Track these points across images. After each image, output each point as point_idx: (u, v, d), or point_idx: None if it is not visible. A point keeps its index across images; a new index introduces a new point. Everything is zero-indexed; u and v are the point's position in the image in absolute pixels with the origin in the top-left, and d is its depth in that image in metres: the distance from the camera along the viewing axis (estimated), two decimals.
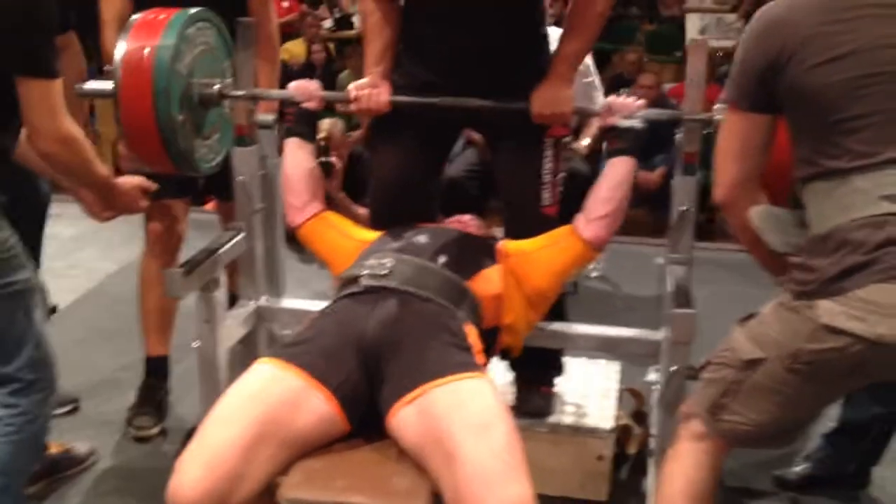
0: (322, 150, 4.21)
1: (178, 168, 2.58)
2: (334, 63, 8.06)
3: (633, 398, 2.99)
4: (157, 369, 3.14)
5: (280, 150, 2.88)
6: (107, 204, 2.41)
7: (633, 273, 4.56)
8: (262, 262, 2.90)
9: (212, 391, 2.63)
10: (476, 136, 3.86)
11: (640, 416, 2.96)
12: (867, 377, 1.88)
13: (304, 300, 3.00)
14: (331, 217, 2.55)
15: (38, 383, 2.24)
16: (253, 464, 1.84)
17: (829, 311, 1.75)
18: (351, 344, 2.02)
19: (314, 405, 1.94)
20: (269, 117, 2.83)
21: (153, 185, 2.48)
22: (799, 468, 2.80)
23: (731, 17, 10.02)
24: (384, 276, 2.15)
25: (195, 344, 2.62)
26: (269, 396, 1.92)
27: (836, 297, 1.75)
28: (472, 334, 2.11)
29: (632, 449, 2.90)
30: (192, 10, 2.54)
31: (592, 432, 2.70)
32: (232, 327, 2.72)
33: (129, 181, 2.41)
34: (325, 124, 4.61)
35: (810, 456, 2.80)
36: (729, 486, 2.75)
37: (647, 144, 5.59)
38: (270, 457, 1.87)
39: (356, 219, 4.78)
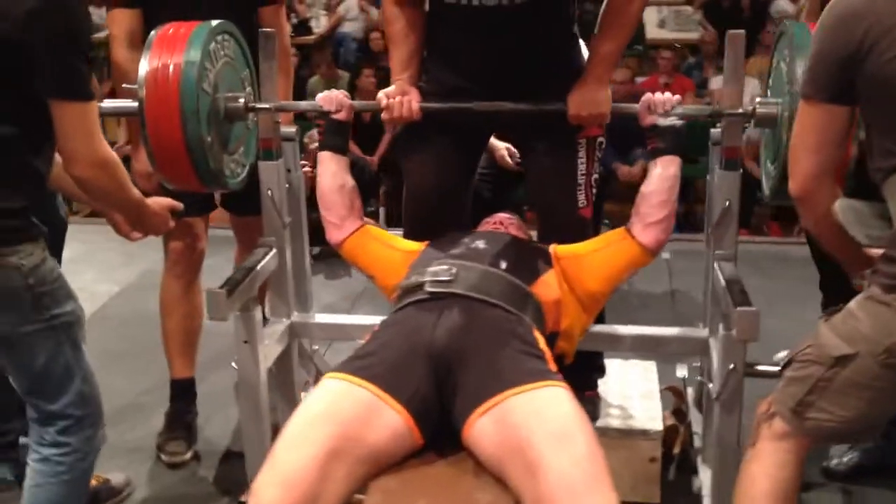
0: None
1: (206, 186, 2.53)
2: (302, 69, 7.99)
3: (673, 396, 2.96)
4: (184, 392, 3.06)
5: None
6: (137, 225, 2.35)
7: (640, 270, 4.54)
8: (292, 278, 2.83)
9: (253, 412, 2.58)
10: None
11: (680, 415, 2.94)
12: None
13: (335, 315, 2.94)
14: (372, 230, 2.50)
15: (87, 419, 2.17)
16: (329, 483, 1.78)
17: None
18: (420, 354, 1.96)
19: (387, 419, 1.88)
20: (291, 129, 2.76)
21: (180, 205, 2.41)
22: (847, 458, 2.79)
23: (688, 9, 10.11)
24: (449, 282, 2.10)
25: (234, 364, 2.56)
26: (341, 413, 1.86)
27: None
28: (541, 341, 2.07)
29: (676, 448, 2.88)
30: (213, 23, 2.48)
31: (643, 434, 2.67)
32: (269, 346, 2.65)
33: (159, 202, 2.34)
34: (314, 136, 4.56)
35: (858, 446, 2.79)
36: None
37: (627, 138, 5.64)
38: (346, 475, 1.81)
39: None
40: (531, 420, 1.82)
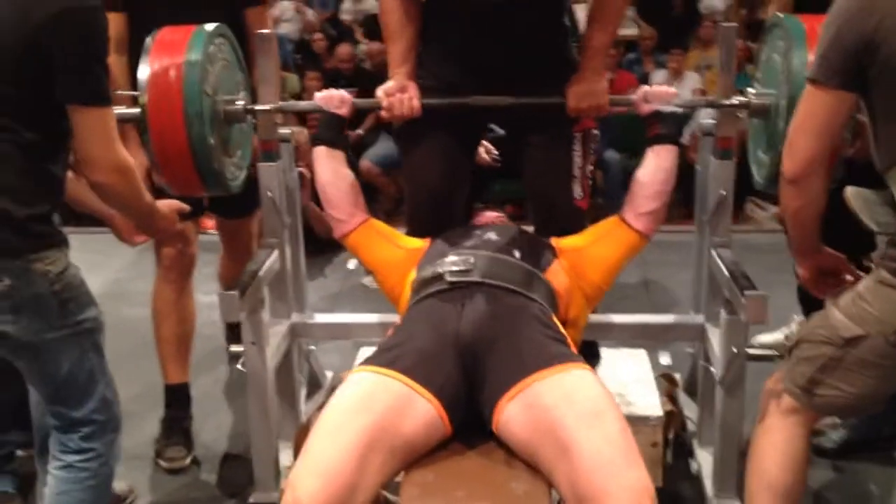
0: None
1: (209, 189, 2.52)
2: None
3: (665, 382, 3.03)
4: (179, 397, 3.04)
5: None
6: (146, 229, 2.34)
7: None
8: (292, 278, 2.83)
9: (261, 413, 2.58)
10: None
11: (674, 400, 3.01)
12: None
13: (334, 314, 2.95)
14: (376, 224, 2.51)
15: (110, 423, 2.17)
16: (366, 473, 1.79)
17: None
18: (448, 344, 1.99)
19: (420, 410, 1.91)
20: (287, 130, 2.77)
21: (187, 207, 2.40)
22: (836, 435, 2.88)
23: None
24: (468, 271, 2.13)
25: (241, 366, 2.55)
26: (376, 404, 1.88)
27: None
28: (560, 326, 2.11)
29: (671, 433, 2.94)
30: (211, 27, 2.49)
31: (644, 420, 2.71)
32: (275, 347, 2.66)
33: (167, 204, 2.34)
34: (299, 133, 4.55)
35: (846, 423, 2.89)
36: None
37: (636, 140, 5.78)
38: (381, 465, 1.83)
39: (330, 230, 4.78)
40: (561, 402, 1.85)
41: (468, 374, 1.98)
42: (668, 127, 2.48)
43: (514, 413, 1.90)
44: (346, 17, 10.96)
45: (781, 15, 2.44)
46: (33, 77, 1.88)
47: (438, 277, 2.15)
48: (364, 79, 6.12)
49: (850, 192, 2.00)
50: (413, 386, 1.92)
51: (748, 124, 2.64)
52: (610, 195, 6.46)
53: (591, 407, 1.85)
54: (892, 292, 1.88)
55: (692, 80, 7.40)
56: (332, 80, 6.03)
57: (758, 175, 2.56)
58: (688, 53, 7.82)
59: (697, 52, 8.18)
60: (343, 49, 7.14)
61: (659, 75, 7.64)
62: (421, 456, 1.93)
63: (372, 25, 9.93)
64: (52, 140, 1.97)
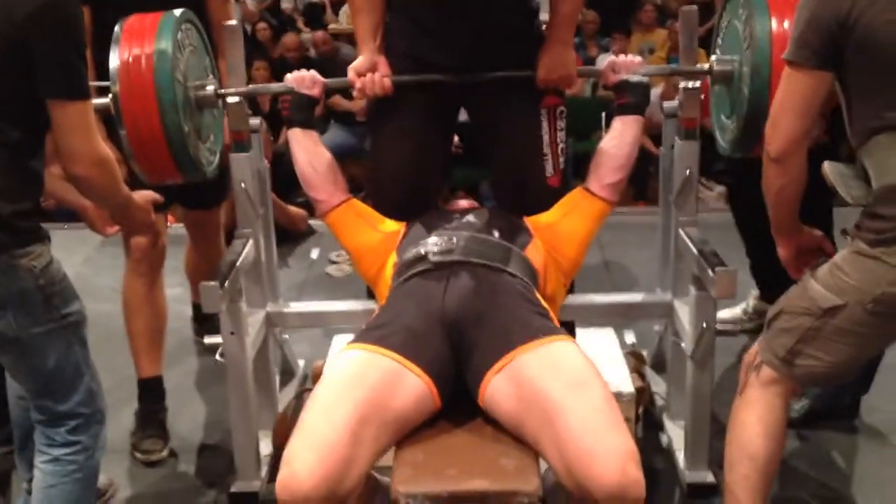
0: None
1: (186, 176, 2.52)
2: None
3: (633, 359, 3.10)
4: (152, 390, 3.03)
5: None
6: (121, 220, 2.34)
7: None
8: (265, 268, 2.85)
9: (242, 403, 2.60)
10: None
11: (641, 376, 3.08)
12: None
13: (309, 302, 2.97)
14: (357, 205, 2.53)
15: (95, 416, 2.17)
16: (360, 448, 1.83)
17: None
18: (434, 320, 2.04)
19: (411, 385, 1.95)
20: (256, 121, 2.78)
21: (161, 198, 2.41)
22: (798, 405, 2.96)
23: None
24: (450, 251, 2.17)
25: (219, 357, 2.57)
26: (367, 379, 1.92)
27: None
28: (542, 300, 2.16)
29: (640, 408, 3.01)
30: (178, 13, 2.48)
31: (617, 396, 2.73)
32: (252, 336, 2.67)
33: (143, 195, 2.33)
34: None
35: (807, 393, 2.98)
36: None
37: None
38: (374, 439, 1.86)
39: (291, 219, 4.79)
40: (546, 372, 1.90)
41: (455, 349, 2.03)
42: (635, 96, 2.53)
43: (499, 385, 1.95)
44: (286, 5, 10.90)
45: None
46: (17, 74, 1.88)
47: (422, 258, 2.19)
48: (309, 67, 6.11)
49: (828, 166, 2.08)
50: (403, 362, 1.96)
51: (710, 91, 2.70)
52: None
53: (577, 376, 1.91)
54: (869, 262, 1.95)
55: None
56: (279, 69, 6.04)
57: (721, 140, 2.64)
58: (630, 37, 7.92)
59: (639, 36, 8.30)
60: (289, 38, 7.13)
61: (602, 59, 7.74)
62: (412, 429, 1.97)
63: (312, 14, 9.92)
64: (32, 136, 1.97)
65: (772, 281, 3.37)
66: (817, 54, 1.95)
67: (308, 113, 2.58)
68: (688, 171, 2.66)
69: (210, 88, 2.56)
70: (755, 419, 2.15)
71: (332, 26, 8.83)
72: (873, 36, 1.89)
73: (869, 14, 1.89)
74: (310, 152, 2.52)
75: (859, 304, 1.96)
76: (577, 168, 6.78)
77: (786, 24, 2.28)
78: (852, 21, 1.89)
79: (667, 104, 2.78)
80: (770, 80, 2.28)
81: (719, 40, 2.66)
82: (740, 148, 2.50)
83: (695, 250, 2.51)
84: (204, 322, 3.52)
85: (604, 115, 6.87)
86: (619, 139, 2.51)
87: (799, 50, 1.97)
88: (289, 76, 2.59)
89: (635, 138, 2.52)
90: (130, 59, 2.36)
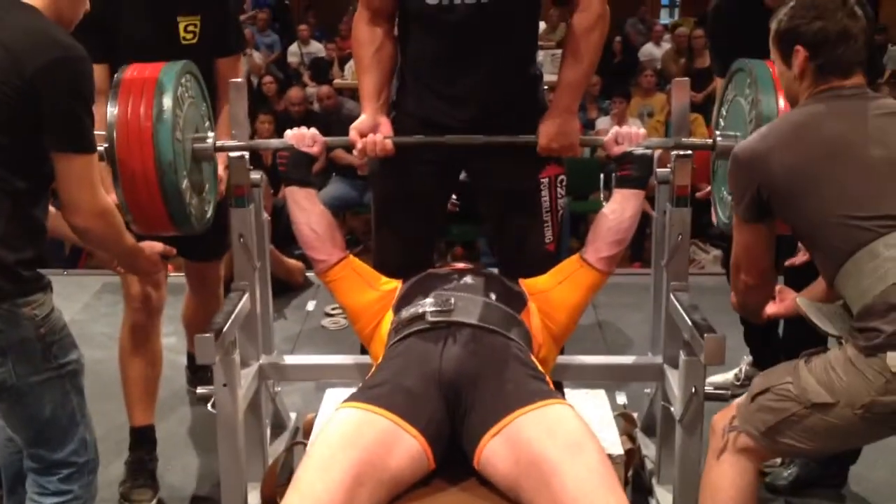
0: None
1: (180, 230, 2.53)
2: None
3: (624, 422, 3.11)
4: (144, 439, 3.04)
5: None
6: (127, 267, 2.38)
7: None
8: (261, 320, 2.87)
9: (231, 455, 2.60)
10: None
11: (632, 439, 3.09)
12: None
13: (303, 356, 2.99)
14: (354, 262, 2.56)
15: (88, 465, 2.19)
16: None
17: None
18: (431, 381, 2.05)
19: (406, 446, 1.97)
20: (257, 175, 2.82)
21: (173, 250, 2.44)
22: (786, 473, 2.97)
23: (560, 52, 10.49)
24: (449, 311, 2.20)
25: (211, 408, 2.58)
26: (362, 439, 1.93)
27: None
28: (537, 364, 2.19)
29: (630, 471, 3.02)
30: (178, 65, 2.49)
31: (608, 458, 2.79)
32: (244, 388, 2.69)
33: (152, 247, 2.37)
34: None
35: (795, 461, 2.99)
36: None
37: None
38: (368, 498, 1.88)
39: (289, 271, 4.82)
40: (543, 435, 1.93)
41: (451, 410, 2.05)
42: (638, 169, 2.54)
43: (496, 448, 1.97)
44: (292, 59, 11.04)
45: (749, 62, 2.52)
46: (24, 126, 1.92)
47: (420, 317, 2.21)
48: (313, 121, 6.19)
49: (803, 304, 2.17)
50: (398, 422, 1.98)
51: (713, 166, 2.74)
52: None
53: (573, 439, 1.93)
54: (861, 369, 1.98)
55: (635, 127, 7.57)
56: (283, 123, 6.11)
57: (722, 215, 2.68)
58: (630, 100, 8.03)
59: (638, 99, 8.41)
60: (294, 92, 7.20)
61: (602, 122, 7.84)
62: (406, 489, 1.98)
63: (318, 68, 10.06)
64: (37, 186, 2.01)
65: (765, 347, 3.42)
66: (752, 213, 2.14)
67: (306, 171, 2.59)
68: (679, 237, 2.70)
69: (209, 142, 2.58)
70: (728, 484, 2.18)
71: (336, 81, 8.94)
72: (790, 212, 2.09)
73: (779, 187, 2.07)
74: (308, 213, 2.54)
75: (849, 406, 2.00)
76: (575, 227, 6.93)
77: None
78: (765, 197, 2.08)
79: (659, 171, 2.82)
80: None
81: (724, 111, 2.69)
82: None
83: (685, 315, 2.53)
84: (197, 371, 3.54)
85: (602, 176, 7.09)
86: (618, 213, 2.53)
87: (739, 208, 2.17)
88: (289, 132, 2.60)
89: (635, 213, 2.54)
90: (129, 115, 2.36)
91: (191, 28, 2.83)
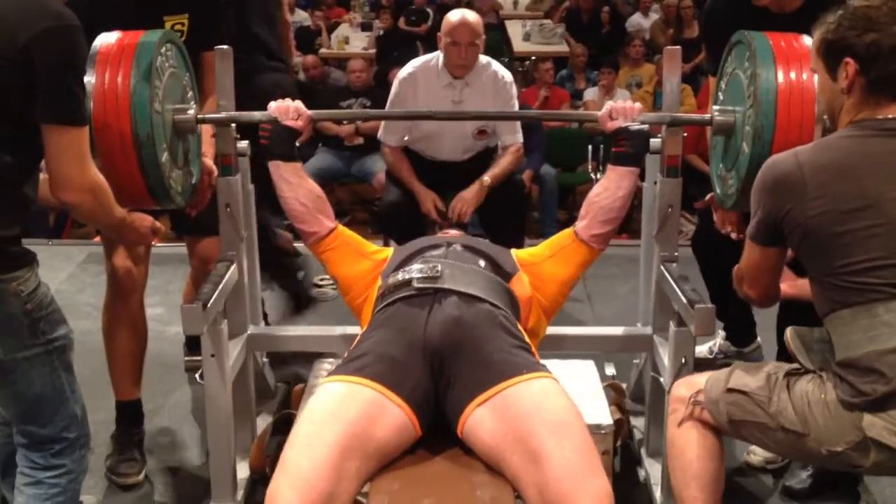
0: None
1: (159, 204, 2.49)
2: None
3: (613, 392, 3.11)
4: (131, 413, 3.01)
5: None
6: (117, 238, 2.36)
7: None
8: (248, 291, 2.85)
9: (220, 426, 2.59)
10: None
11: (622, 409, 3.09)
12: None
13: (291, 326, 2.97)
14: (345, 233, 2.55)
15: (79, 440, 2.17)
16: (342, 481, 1.85)
17: (873, 425, 1.94)
18: (416, 349, 2.05)
19: (392, 415, 1.97)
20: (244, 144, 2.78)
21: (163, 228, 2.41)
22: (804, 476, 2.90)
23: (550, 22, 10.46)
24: (435, 278, 2.18)
25: (199, 378, 2.57)
26: (347, 412, 1.93)
27: (878, 413, 1.93)
28: (524, 334, 2.19)
29: (619, 441, 3.02)
30: (158, 34, 2.43)
31: (596, 428, 2.76)
32: (233, 359, 2.67)
33: (142, 220, 2.33)
34: None
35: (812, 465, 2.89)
36: (741, 499, 2.87)
37: None
38: (356, 471, 1.89)
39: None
40: (531, 411, 1.94)
41: (435, 378, 2.04)
42: (633, 145, 2.52)
43: (482, 419, 1.97)
44: None
45: (747, 34, 2.46)
46: (18, 96, 1.87)
47: (406, 283, 2.20)
48: (301, 90, 6.14)
49: (790, 333, 2.15)
50: (383, 392, 1.97)
51: (711, 142, 2.72)
52: (545, 209, 6.58)
53: (560, 417, 1.94)
54: (837, 417, 1.99)
55: (623, 98, 7.57)
56: None
57: (719, 191, 2.66)
58: (618, 71, 7.99)
59: (627, 70, 8.37)
60: None
61: (590, 92, 7.81)
62: (393, 458, 1.99)
63: (304, 38, 9.96)
64: (26, 161, 1.96)
65: (740, 320, 3.47)
66: (766, 237, 2.11)
67: (289, 146, 2.53)
68: (669, 209, 2.68)
69: (190, 113, 2.52)
70: (693, 443, 2.22)
71: (322, 51, 8.87)
72: (815, 234, 2.00)
73: (802, 221, 2.00)
74: (295, 186, 2.52)
75: (817, 442, 2.02)
76: (563, 199, 6.91)
77: (793, 76, 2.32)
78: (790, 225, 2.03)
79: (653, 141, 2.80)
80: (772, 144, 2.31)
81: (722, 84, 2.64)
82: (738, 207, 2.53)
83: (676, 287, 2.53)
84: (195, 347, 3.49)
85: (590, 147, 7.07)
86: (612, 191, 2.51)
87: (754, 230, 2.13)
88: (272, 105, 2.54)
89: (629, 191, 2.52)
90: (106, 85, 2.30)
91: (178, 27, 2.79)
